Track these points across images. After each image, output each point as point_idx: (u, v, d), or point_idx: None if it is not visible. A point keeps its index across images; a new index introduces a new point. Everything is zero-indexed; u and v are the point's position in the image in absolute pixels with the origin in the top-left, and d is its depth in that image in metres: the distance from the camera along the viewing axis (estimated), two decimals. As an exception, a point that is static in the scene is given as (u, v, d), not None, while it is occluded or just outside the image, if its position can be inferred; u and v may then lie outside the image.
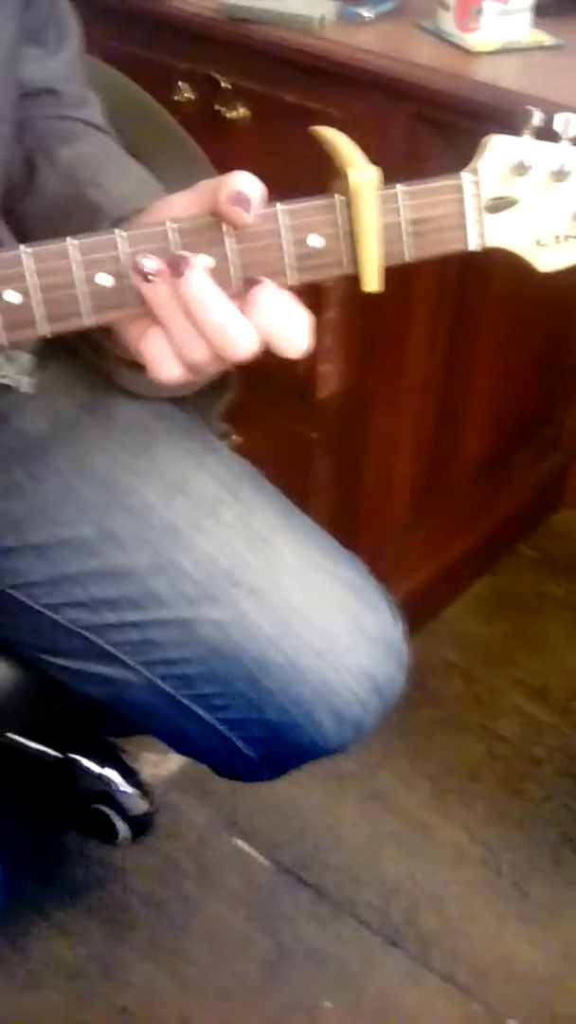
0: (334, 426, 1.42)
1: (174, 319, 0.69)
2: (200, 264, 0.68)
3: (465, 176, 0.71)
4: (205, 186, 0.70)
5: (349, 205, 0.69)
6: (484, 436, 1.64)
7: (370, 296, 1.30)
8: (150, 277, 0.68)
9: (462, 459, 1.62)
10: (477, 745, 1.52)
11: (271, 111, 1.26)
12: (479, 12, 1.16)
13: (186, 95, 1.31)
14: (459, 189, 0.71)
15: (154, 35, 1.31)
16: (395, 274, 1.29)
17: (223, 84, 1.28)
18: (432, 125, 1.19)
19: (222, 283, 0.69)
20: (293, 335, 0.71)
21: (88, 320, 0.69)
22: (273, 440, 1.42)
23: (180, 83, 1.31)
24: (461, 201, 0.71)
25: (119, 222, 0.75)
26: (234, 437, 1.16)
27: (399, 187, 0.70)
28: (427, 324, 1.41)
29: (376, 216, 0.69)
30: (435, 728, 1.54)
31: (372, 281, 0.71)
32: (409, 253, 0.71)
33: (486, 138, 0.72)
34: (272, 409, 1.42)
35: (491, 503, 1.71)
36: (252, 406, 1.36)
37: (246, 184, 0.68)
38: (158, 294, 0.68)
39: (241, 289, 0.69)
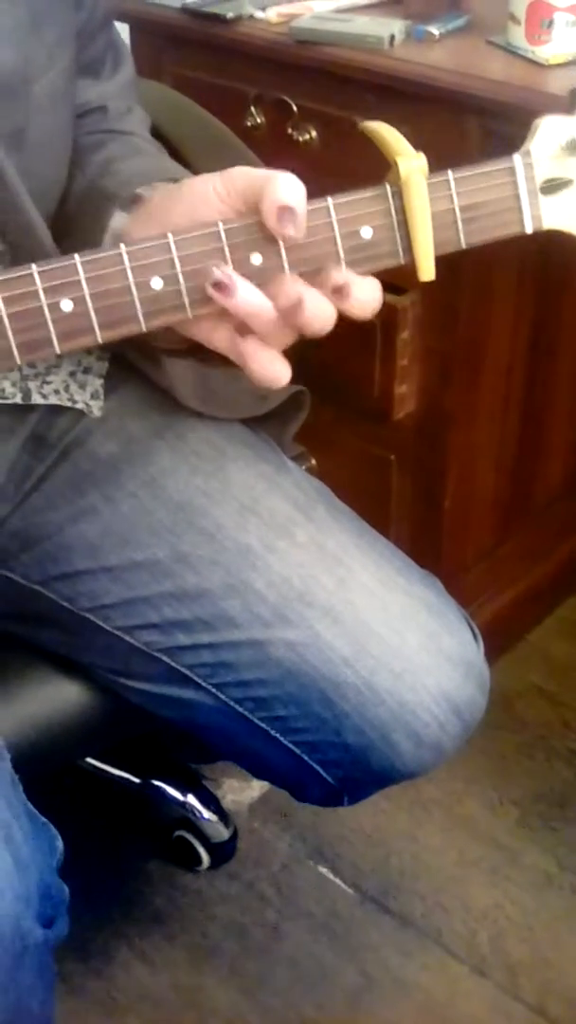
0: (412, 447, 1.41)
1: (271, 323, 0.69)
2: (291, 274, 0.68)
3: (517, 158, 0.71)
4: (241, 178, 0.69)
5: (400, 194, 0.68)
6: (568, 454, 1.61)
7: (446, 315, 1.30)
8: (231, 287, 0.68)
9: (546, 477, 1.60)
10: (565, 770, 1.48)
11: (341, 133, 1.26)
12: (550, 24, 1.15)
13: (258, 120, 1.32)
14: (512, 172, 0.70)
15: (224, 61, 1.32)
16: (472, 290, 1.29)
17: (294, 107, 1.28)
18: (505, 139, 1.18)
19: (277, 279, 0.69)
20: (370, 304, 0.70)
21: (145, 325, 0.69)
22: (351, 462, 1.42)
23: (252, 108, 1.31)
24: (515, 184, 0.71)
25: (129, 203, 0.74)
26: (312, 461, 1.16)
27: (450, 173, 0.69)
28: (505, 341, 1.39)
29: (427, 203, 0.69)
30: (521, 753, 1.51)
31: (428, 270, 0.70)
32: (465, 239, 0.71)
33: (537, 119, 0.71)
34: (349, 431, 1.42)
35: (576, 522, 1.68)
36: (328, 429, 1.36)
37: (288, 194, 0.66)
38: (253, 305, 0.68)
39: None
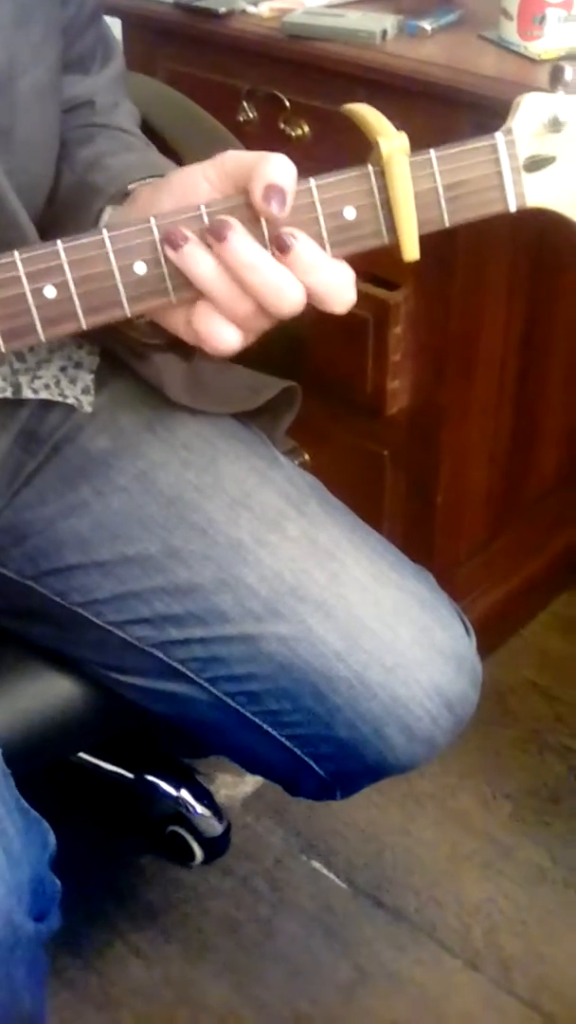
0: (405, 442, 1.41)
1: (220, 285, 0.68)
2: (240, 226, 0.67)
3: (499, 136, 0.70)
4: (231, 162, 0.69)
5: (383, 174, 0.68)
6: (561, 449, 1.61)
7: (438, 310, 1.30)
8: (180, 243, 0.67)
9: (539, 472, 1.60)
10: (558, 765, 1.49)
11: (333, 127, 1.26)
12: (542, 19, 1.15)
13: (250, 114, 1.32)
14: (494, 150, 0.70)
15: (217, 56, 1.32)
16: (463, 285, 1.29)
17: (286, 102, 1.28)
18: (496, 134, 1.18)
19: None
20: (340, 289, 0.70)
21: (129, 310, 0.69)
22: (344, 457, 1.42)
23: (244, 103, 1.31)
24: (497, 162, 0.70)
25: (117, 197, 0.74)
26: (306, 457, 1.16)
27: (432, 152, 0.69)
28: (498, 336, 1.39)
29: (410, 182, 0.68)
30: (515, 747, 1.51)
31: (411, 250, 0.70)
32: (448, 218, 0.71)
33: (519, 96, 0.71)
34: (342, 426, 1.42)
35: (570, 517, 1.68)
36: (322, 424, 1.36)
37: (279, 173, 0.67)
38: (199, 263, 0.68)
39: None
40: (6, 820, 0.73)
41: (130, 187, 0.77)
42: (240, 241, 0.67)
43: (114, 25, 1.27)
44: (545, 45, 1.16)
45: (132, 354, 0.87)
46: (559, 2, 1.14)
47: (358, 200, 0.69)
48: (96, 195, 0.78)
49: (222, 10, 1.29)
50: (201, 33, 1.32)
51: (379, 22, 1.23)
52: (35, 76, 0.80)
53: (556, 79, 0.70)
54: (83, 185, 0.81)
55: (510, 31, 1.18)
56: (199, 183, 0.70)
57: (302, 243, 0.68)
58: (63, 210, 0.82)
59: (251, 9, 1.30)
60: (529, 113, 0.70)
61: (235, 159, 0.69)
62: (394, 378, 1.34)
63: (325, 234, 0.69)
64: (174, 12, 1.33)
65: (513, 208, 0.72)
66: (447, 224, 0.71)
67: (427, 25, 1.24)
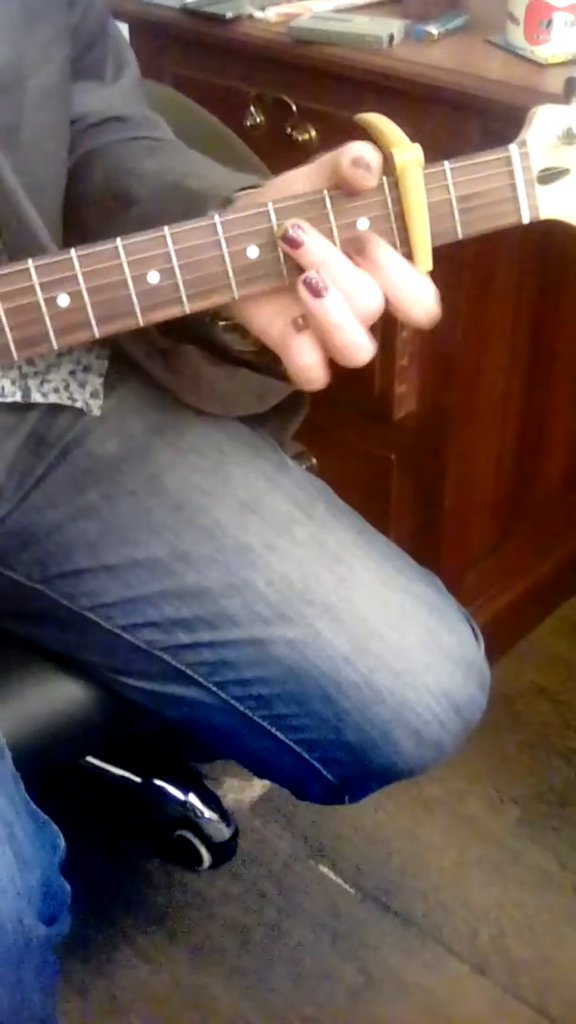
0: (413, 446, 1.41)
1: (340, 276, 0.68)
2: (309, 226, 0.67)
3: (513, 148, 0.70)
4: (322, 159, 0.69)
5: (396, 185, 0.68)
6: (569, 453, 1.61)
7: (445, 314, 1.30)
8: (298, 243, 0.67)
9: (547, 477, 1.60)
10: (566, 769, 1.48)
11: (340, 132, 1.25)
12: (549, 23, 1.15)
13: (257, 119, 1.32)
14: (508, 162, 0.70)
15: (224, 61, 1.32)
16: (471, 289, 1.29)
17: (293, 107, 1.28)
18: (504, 139, 1.18)
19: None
20: (417, 294, 0.69)
21: (142, 319, 0.69)
22: (351, 462, 1.42)
23: (251, 108, 1.31)
24: (511, 174, 0.70)
25: (226, 203, 0.74)
26: (313, 461, 1.16)
27: (446, 163, 0.69)
28: (505, 341, 1.39)
29: (424, 194, 0.68)
30: (523, 752, 1.51)
31: (425, 261, 0.70)
32: (462, 230, 0.71)
33: (533, 109, 0.71)
34: (349, 431, 1.42)
35: (577, 522, 1.68)
36: (329, 428, 1.36)
37: (364, 150, 0.66)
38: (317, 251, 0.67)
39: None
40: (16, 823, 0.73)
41: (235, 195, 0.76)
42: (313, 239, 0.67)
43: (121, 30, 1.27)
44: (552, 49, 1.17)
45: (146, 356, 0.87)
46: (566, 6, 1.15)
47: (371, 211, 0.69)
48: (203, 201, 0.76)
49: (229, 15, 1.30)
50: (208, 38, 1.32)
51: (386, 27, 1.23)
52: (43, 76, 0.81)
53: (571, 91, 0.70)
54: (178, 190, 0.79)
55: (517, 35, 1.18)
56: (295, 186, 0.69)
57: (376, 244, 0.68)
58: (157, 217, 0.80)
59: (258, 14, 1.31)
60: (543, 125, 0.70)
61: (325, 156, 0.69)
62: (401, 382, 1.34)
63: (338, 245, 0.69)
64: (181, 17, 1.34)
65: (527, 220, 0.72)
66: (460, 236, 0.71)
67: (434, 30, 1.24)
